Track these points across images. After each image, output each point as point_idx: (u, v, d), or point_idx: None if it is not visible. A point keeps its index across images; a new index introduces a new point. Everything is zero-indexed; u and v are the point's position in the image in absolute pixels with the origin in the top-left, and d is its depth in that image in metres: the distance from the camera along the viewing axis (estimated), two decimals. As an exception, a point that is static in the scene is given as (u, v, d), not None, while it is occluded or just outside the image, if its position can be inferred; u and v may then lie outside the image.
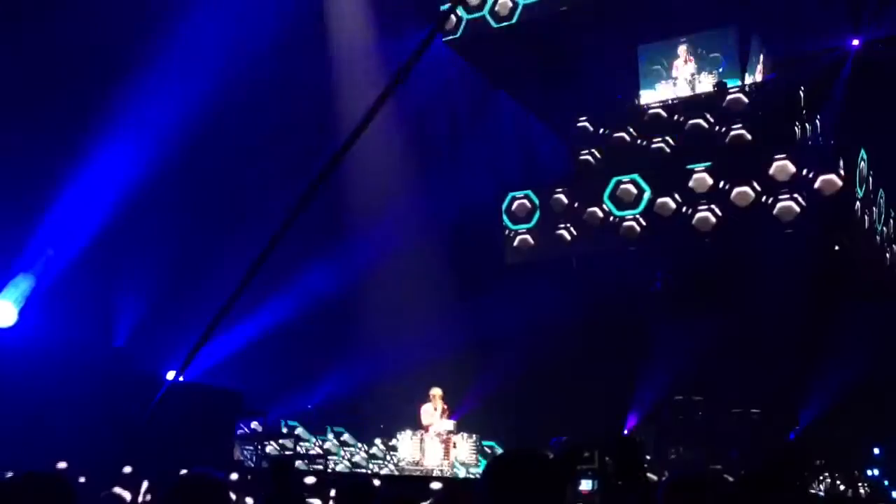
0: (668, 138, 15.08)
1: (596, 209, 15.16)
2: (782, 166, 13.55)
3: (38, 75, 10.44)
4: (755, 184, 13.80)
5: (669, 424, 14.83)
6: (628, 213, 14.96)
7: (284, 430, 13.14)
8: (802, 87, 14.66)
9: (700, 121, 14.86)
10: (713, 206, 14.09)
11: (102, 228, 11.24)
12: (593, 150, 15.80)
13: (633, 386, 15.94)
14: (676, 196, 14.42)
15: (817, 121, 15.23)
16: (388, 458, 13.84)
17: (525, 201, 15.69)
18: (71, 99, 10.95)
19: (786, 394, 14.73)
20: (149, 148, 11.76)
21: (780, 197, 13.51)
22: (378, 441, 14.23)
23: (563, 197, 15.37)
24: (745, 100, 14.68)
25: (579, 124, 16.00)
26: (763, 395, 14.87)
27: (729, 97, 14.81)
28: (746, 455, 13.46)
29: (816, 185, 13.27)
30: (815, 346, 14.80)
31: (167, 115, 11.95)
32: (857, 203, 13.71)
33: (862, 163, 14.01)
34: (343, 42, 15.73)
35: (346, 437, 13.97)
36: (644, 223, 14.76)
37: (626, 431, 14.46)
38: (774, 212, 13.56)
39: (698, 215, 14.20)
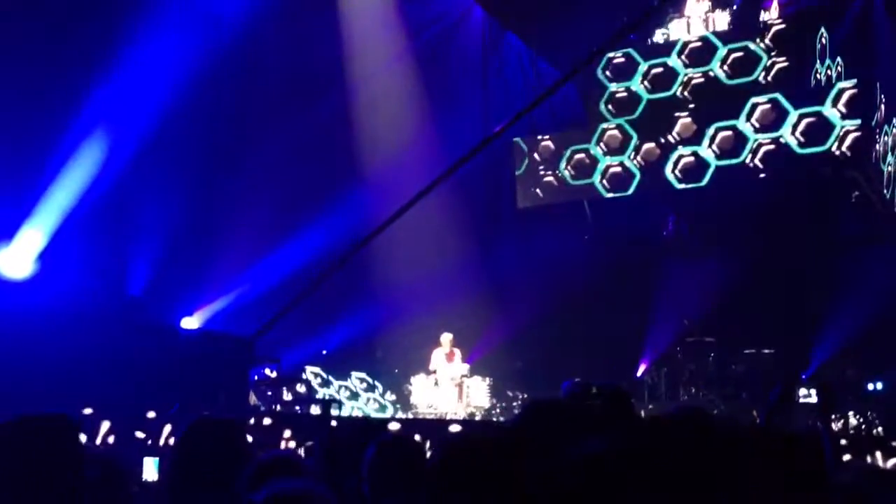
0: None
1: (583, 156, 15.11)
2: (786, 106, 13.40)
3: (45, 20, 10.35)
4: (755, 123, 13.68)
5: (681, 366, 14.91)
6: (614, 160, 14.89)
7: (305, 377, 13.33)
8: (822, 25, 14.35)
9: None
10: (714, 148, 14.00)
11: (115, 177, 11.25)
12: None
13: (644, 328, 16.01)
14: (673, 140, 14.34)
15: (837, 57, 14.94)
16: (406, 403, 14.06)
17: (524, 145, 15.65)
18: (80, 42, 10.87)
19: (798, 335, 14.75)
20: (163, 93, 11.70)
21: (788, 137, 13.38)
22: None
23: (550, 143, 15.29)
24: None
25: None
26: (775, 336, 14.90)
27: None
28: (757, 396, 13.52)
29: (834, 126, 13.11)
30: (827, 286, 14.77)
31: (180, 59, 11.86)
32: (876, 144, 13.53)
33: (882, 103, 13.78)
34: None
35: (368, 380, 14.19)
36: (631, 170, 14.72)
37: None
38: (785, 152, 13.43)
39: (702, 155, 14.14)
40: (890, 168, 15.04)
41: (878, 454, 9.10)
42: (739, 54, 14.44)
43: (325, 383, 12.43)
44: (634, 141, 14.81)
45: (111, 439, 7.53)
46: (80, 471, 2.54)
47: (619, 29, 13.24)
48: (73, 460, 2.52)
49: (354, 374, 14.47)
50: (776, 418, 3.67)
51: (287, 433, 7.79)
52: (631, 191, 14.90)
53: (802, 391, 10.27)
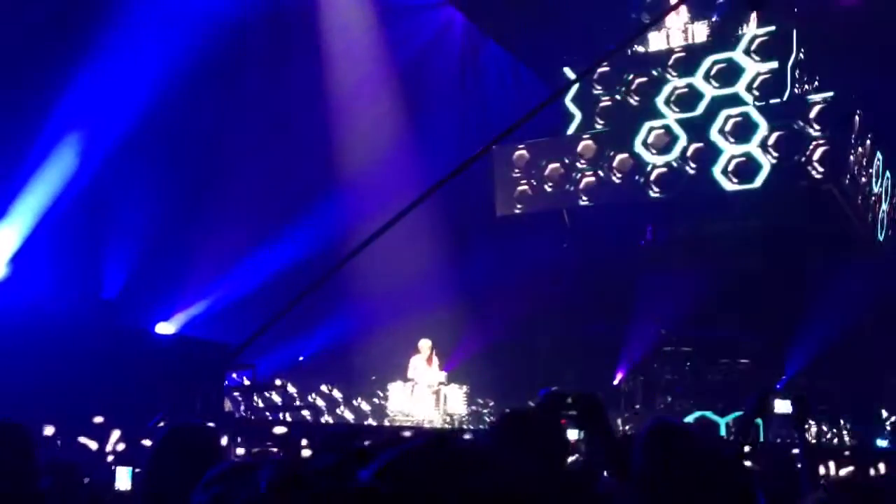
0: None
1: (557, 164, 15.11)
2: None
3: (18, 22, 10.21)
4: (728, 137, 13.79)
5: (658, 375, 14.98)
6: (590, 169, 14.91)
7: (278, 383, 13.23)
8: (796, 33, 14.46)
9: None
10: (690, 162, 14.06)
11: (90, 179, 11.13)
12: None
13: (622, 337, 16.07)
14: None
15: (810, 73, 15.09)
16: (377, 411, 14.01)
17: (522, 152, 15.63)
18: (55, 44, 10.75)
19: (774, 344, 14.87)
20: (140, 96, 11.60)
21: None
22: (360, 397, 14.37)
23: (525, 152, 15.28)
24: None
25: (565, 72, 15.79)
26: (751, 345, 15.02)
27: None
28: (733, 405, 13.61)
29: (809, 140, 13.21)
30: (803, 297, 14.90)
31: (157, 62, 11.77)
32: (851, 157, 13.66)
33: (857, 118, 13.91)
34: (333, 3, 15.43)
35: (334, 393, 14.17)
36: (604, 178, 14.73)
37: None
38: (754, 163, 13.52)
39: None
40: (877, 189, 15.22)
41: (832, 464, 9.21)
42: (723, 65, 14.48)
43: (282, 388, 12.37)
44: (610, 150, 14.81)
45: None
46: (35, 479, 2.53)
47: (615, 45, 13.32)
48: (28, 469, 2.51)
49: (323, 386, 14.44)
50: (751, 430, 3.69)
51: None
52: (606, 200, 14.88)
53: (777, 402, 10.34)
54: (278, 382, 12.99)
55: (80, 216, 11.18)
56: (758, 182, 13.62)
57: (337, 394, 14.54)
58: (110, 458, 7.47)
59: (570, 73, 15.38)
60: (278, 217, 14.02)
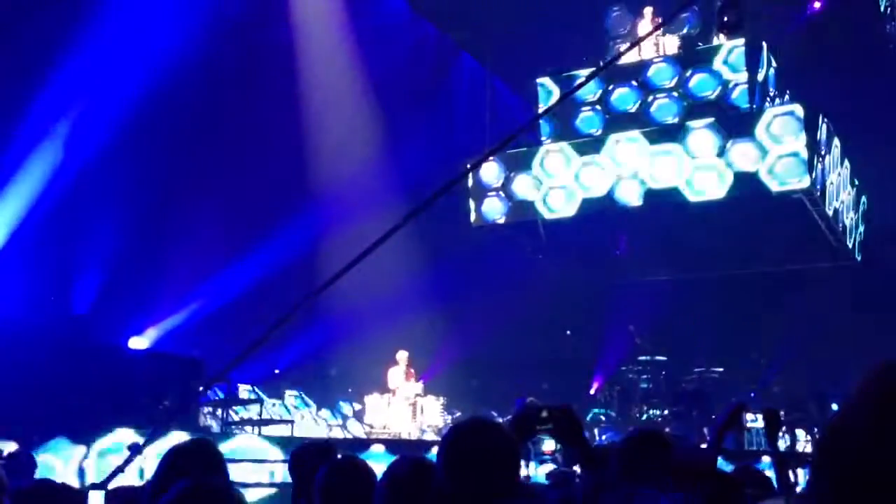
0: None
1: (526, 175, 15.10)
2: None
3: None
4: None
5: (634, 384, 15.06)
6: (557, 181, 14.84)
7: (246, 396, 13.13)
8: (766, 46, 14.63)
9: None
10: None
11: (61, 194, 11.02)
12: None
13: (598, 347, 16.14)
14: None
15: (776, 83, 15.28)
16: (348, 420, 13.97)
17: (493, 164, 15.58)
18: (23, 55, 10.64)
19: (747, 353, 15.02)
20: (111, 110, 11.52)
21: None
22: (343, 404, 14.30)
23: (495, 164, 15.26)
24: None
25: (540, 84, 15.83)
26: (725, 354, 15.16)
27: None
28: (707, 413, 13.71)
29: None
30: (776, 306, 15.06)
31: (126, 77, 11.70)
32: (818, 165, 13.80)
33: (823, 127, 14.07)
34: (308, 10, 15.42)
35: (300, 400, 14.09)
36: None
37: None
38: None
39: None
40: (844, 196, 15.40)
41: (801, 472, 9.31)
42: (702, 75, 14.51)
43: (258, 401, 12.29)
44: (577, 162, 14.77)
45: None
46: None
47: (603, 64, 13.38)
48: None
49: (288, 392, 14.33)
50: (723, 442, 3.73)
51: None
52: (574, 212, 14.80)
53: (749, 416, 10.42)
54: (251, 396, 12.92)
55: (52, 231, 11.06)
56: (723, 192, 13.64)
57: (311, 406, 14.45)
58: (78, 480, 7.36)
59: (548, 83, 15.49)
60: (251, 230, 13.95)
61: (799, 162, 13.13)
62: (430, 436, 12.76)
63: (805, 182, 13.09)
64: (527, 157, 15.18)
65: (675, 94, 14.54)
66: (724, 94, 14.20)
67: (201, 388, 9.77)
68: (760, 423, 4.30)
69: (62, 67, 10.85)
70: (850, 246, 15.67)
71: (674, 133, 14.18)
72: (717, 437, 3.63)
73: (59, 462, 7.37)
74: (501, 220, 15.45)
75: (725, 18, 4.84)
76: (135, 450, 3.09)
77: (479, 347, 15.86)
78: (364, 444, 10.06)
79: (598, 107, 15.11)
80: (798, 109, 13.42)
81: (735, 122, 13.79)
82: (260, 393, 13.41)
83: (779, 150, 13.28)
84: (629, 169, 14.31)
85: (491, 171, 15.46)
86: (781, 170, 13.23)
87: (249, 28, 14.21)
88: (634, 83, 14.92)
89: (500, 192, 15.44)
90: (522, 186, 15.21)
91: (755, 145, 13.43)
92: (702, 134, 13.82)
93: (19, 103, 10.52)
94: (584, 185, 14.68)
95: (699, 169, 13.82)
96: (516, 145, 15.16)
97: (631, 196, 14.28)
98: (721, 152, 13.64)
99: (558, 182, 14.90)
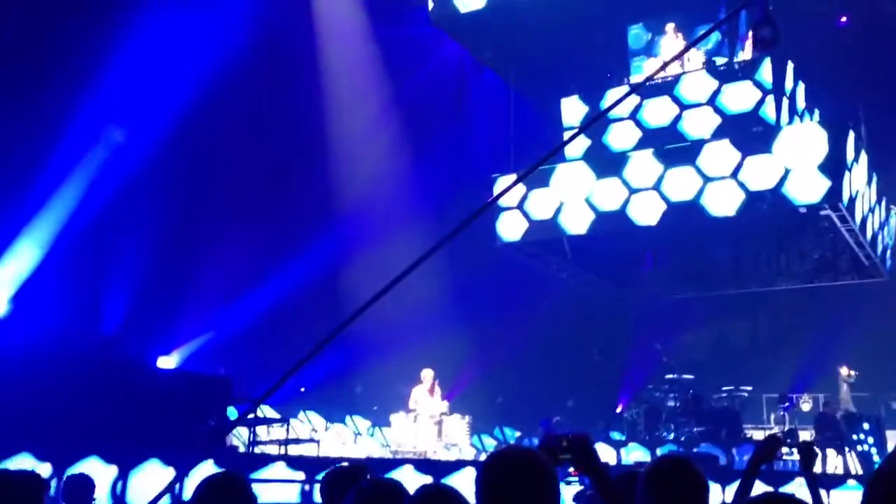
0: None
1: (552, 193, 15.03)
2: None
3: (21, 63, 10.32)
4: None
5: (660, 403, 14.92)
6: (575, 198, 14.75)
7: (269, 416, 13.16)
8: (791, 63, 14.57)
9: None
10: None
11: (90, 216, 11.18)
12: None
13: (624, 364, 16.04)
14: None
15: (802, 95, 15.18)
16: (376, 439, 13.95)
17: (510, 182, 15.54)
18: (58, 83, 10.85)
19: (775, 371, 14.85)
20: (140, 133, 11.70)
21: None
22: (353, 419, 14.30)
23: (521, 182, 15.19)
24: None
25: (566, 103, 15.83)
26: (753, 372, 14.99)
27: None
28: (736, 432, 13.57)
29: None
30: (806, 321, 14.89)
31: (156, 103, 11.88)
32: (845, 180, 13.66)
33: (850, 142, 13.94)
34: (333, 29, 15.60)
35: (315, 420, 14.10)
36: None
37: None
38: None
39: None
40: (876, 216, 15.22)
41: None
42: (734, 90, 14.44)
43: (284, 420, 12.31)
44: (595, 179, 14.73)
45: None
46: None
47: (632, 87, 13.36)
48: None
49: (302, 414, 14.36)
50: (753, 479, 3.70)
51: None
52: (587, 230, 14.72)
53: (784, 449, 10.28)
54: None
55: (82, 253, 11.22)
56: (737, 208, 13.50)
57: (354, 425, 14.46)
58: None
59: (570, 102, 15.51)
60: (276, 251, 14.05)
61: (824, 177, 13.02)
62: (455, 454, 12.73)
63: (830, 198, 12.96)
64: (544, 175, 15.18)
65: (707, 109, 14.47)
66: (754, 110, 14.12)
67: (247, 409, 9.84)
68: (796, 456, 4.26)
69: (93, 94, 11.04)
70: (880, 262, 15.49)
71: (692, 149, 14.09)
72: (753, 470, 3.60)
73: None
74: (525, 238, 15.44)
75: (761, 33, 4.80)
76: (181, 472, 3.21)
77: (504, 365, 15.83)
78: (392, 463, 10.05)
79: (628, 122, 15.05)
80: (822, 127, 13.34)
81: (759, 137, 13.71)
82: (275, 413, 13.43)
83: (804, 165, 13.18)
84: (645, 185, 14.24)
85: (516, 188, 15.46)
86: (807, 185, 13.12)
87: (276, 51, 14.38)
88: (666, 98, 14.88)
89: (525, 210, 15.45)
90: (547, 203, 15.22)
91: (777, 160, 13.35)
92: (721, 148, 13.74)
93: (54, 129, 10.72)
94: (598, 202, 14.63)
95: (714, 183, 13.69)
96: (535, 162, 15.09)
97: (648, 213, 14.18)
98: (738, 168, 13.53)
99: (576, 199, 14.89)
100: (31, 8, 10.68)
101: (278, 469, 8.85)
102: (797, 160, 13.20)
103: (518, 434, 15.92)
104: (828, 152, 13.05)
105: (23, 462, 6.87)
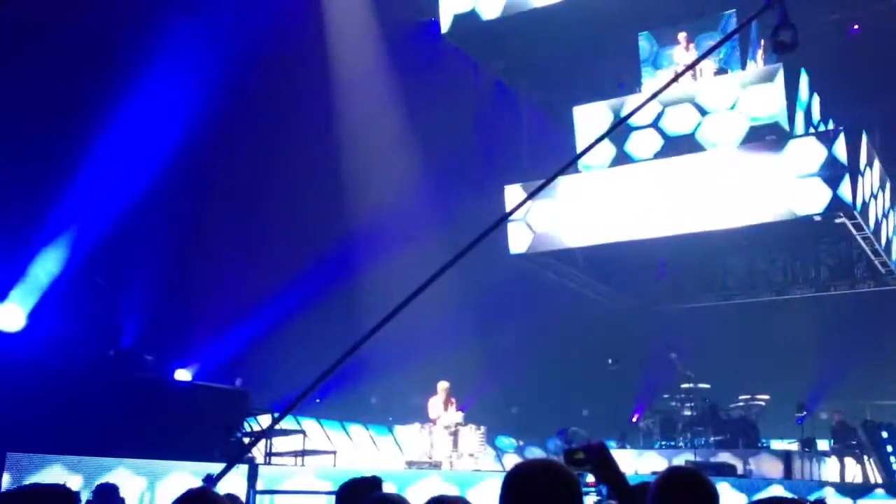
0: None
1: (566, 203, 15.02)
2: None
3: (37, 80, 10.45)
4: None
5: (676, 412, 14.85)
6: (580, 208, 14.73)
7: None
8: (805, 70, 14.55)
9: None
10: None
11: (106, 229, 11.28)
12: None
13: (639, 374, 15.98)
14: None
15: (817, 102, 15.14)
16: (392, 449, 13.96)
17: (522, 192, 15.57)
18: (72, 100, 10.98)
19: (792, 380, 14.76)
20: (155, 148, 11.80)
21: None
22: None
23: (524, 192, 15.21)
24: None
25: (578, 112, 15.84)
26: (769, 381, 14.90)
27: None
28: (753, 442, 13.50)
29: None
30: (821, 330, 14.81)
31: (169, 113, 11.98)
32: (859, 187, 13.61)
33: (864, 149, 13.90)
34: (344, 39, 15.69)
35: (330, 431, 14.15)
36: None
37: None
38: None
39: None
40: (891, 222, 15.14)
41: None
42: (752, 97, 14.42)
43: (300, 432, 12.36)
44: (602, 189, 14.72)
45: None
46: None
47: (646, 99, 13.32)
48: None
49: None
50: None
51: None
52: (596, 241, 14.69)
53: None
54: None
55: (98, 266, 11.31)
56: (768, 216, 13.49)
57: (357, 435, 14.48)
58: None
59: (581, 112, 15.53)
60: (292, 262, 14.09)
61: (836, 184, 12.97)
62: (471, 464, 12.72)
63: (843, 205, 12.91)
64: (564, 184, 15.18)
65: (726, 116, 14.46)
66: (770, 118, 14.11)
67: (273, 421, 9.89)
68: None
69: (104, 114, 11.17)
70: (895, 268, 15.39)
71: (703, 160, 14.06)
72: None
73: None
74: (537, 248, 15.44)
75: (781, 37, 4.77)
76: (209, 482, 3.19)
77: (518, 375, 15.80)
78: (415, 475, 10.07)
79: (650, 130, 15.05)
80: (834, 136, 13.30)
81: (771, 145, 13.69)
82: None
83: (814, 172, 13.15)
84: (653, 192, 14.22)
85: (515, 201, 15.47)
86: (818, 192, 13.08)
87: (286, 63, 14.46)
88: (687, 106, 14.89)
89: (537, 220, 15.46)
90: (560, 214, 15.22)
91: (788, 167, 13.32)
92: (732, 155, 13.74)
93: (70, 148, 10.84)
94: (608, 210, 14.63)
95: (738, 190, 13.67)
96: (543, 173, 15.13)
97: (657, 225, 14.14)
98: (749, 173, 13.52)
99: (584, 208, 14.88)
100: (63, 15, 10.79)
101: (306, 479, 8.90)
102: (805, 167, 13.18)
103: (520, 443, 15.91)
104: (837, 160, 13.00)
105: (54, 473, 6.95)
